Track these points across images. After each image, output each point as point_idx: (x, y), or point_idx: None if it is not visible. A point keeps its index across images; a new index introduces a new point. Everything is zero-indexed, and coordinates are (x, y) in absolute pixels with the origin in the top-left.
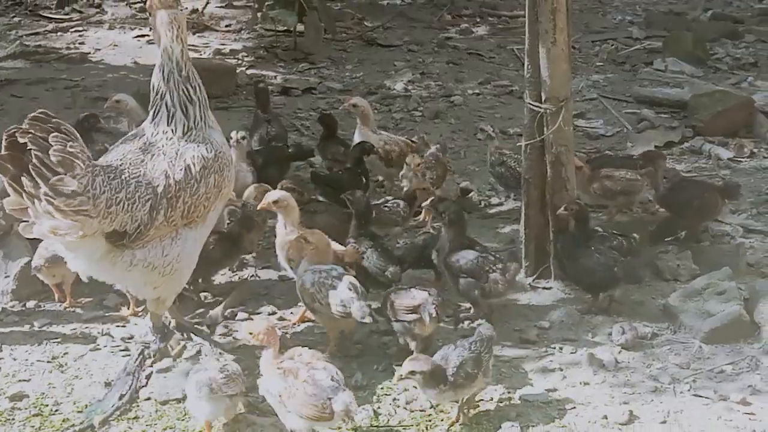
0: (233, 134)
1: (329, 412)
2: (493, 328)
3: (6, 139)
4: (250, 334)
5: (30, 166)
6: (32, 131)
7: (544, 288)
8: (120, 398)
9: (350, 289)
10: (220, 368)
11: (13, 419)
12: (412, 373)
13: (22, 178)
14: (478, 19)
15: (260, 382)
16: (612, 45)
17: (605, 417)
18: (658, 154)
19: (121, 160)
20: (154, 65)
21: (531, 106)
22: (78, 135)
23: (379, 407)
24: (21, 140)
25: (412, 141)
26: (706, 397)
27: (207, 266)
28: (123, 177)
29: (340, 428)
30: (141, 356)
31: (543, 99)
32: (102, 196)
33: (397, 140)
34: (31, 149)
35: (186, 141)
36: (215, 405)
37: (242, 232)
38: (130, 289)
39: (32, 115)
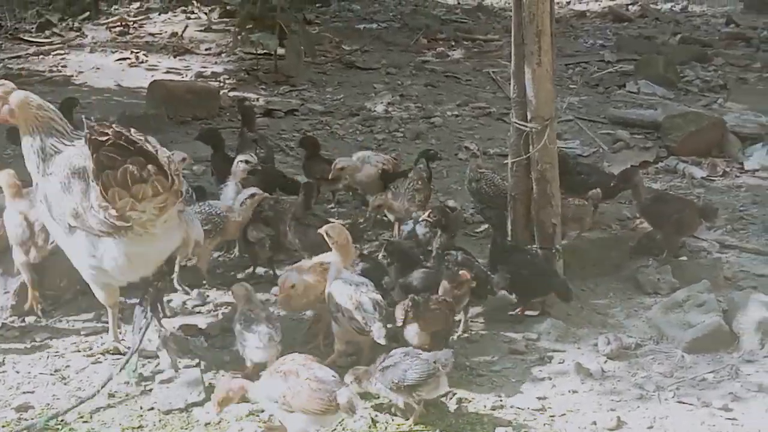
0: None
1: (335, 404)
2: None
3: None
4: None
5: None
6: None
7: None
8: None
9: (375, 309)
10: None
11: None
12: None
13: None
14: (453, 43)
15: (254, 393)
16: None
17: (594, 423)
18: (634, 170)
19: None
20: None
21: (517, 125)
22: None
23: (376, 415)
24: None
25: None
26: (689, 404)
27: None
28: None
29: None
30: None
31: (529, 118)
32: None
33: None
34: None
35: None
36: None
37: None
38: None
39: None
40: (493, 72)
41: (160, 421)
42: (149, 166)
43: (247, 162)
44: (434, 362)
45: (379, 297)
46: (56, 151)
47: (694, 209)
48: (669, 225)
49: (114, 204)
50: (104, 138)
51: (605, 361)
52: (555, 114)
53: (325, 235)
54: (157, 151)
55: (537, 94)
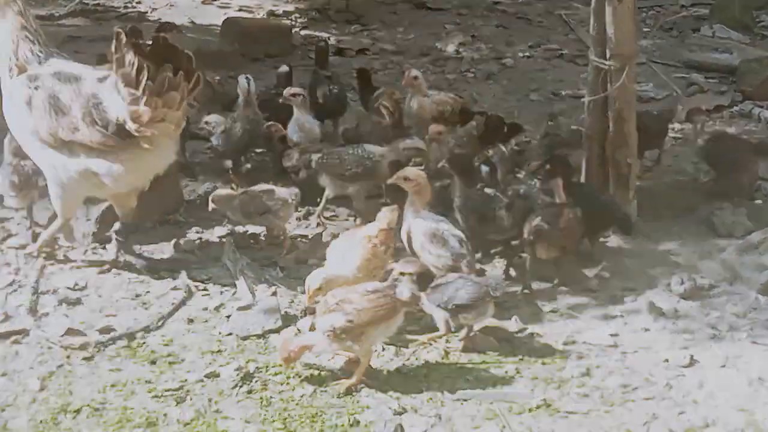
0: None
1: (400, 302)
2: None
3: None
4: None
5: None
6: None
7: (603, 240)
8: None
9: (461, 244)
10: None
11: (104, 350)
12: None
13: None
14: None
15: (315, 340)
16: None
17: (666, 360)
18: (698, 110)
19: None
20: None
21: (596, 63)
22: None
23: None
24: None
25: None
26: (763, 344)
27: None
28: None
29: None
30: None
31: (608, 56)
32: None
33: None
34: None
35: None
36: None
37: None
38: None
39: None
40: (565, 14)
41: (237, 346)
42: (180, 72)
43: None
44: (486, 287)
45: (461, 233)
46: (34, 60)
47: (749, 147)
48: (724, 165)
49: (151, 110)
50: (143, 43)
51: (678, 301)
52: (635, 52)
53: (401, 182)
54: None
55: (617, 31)
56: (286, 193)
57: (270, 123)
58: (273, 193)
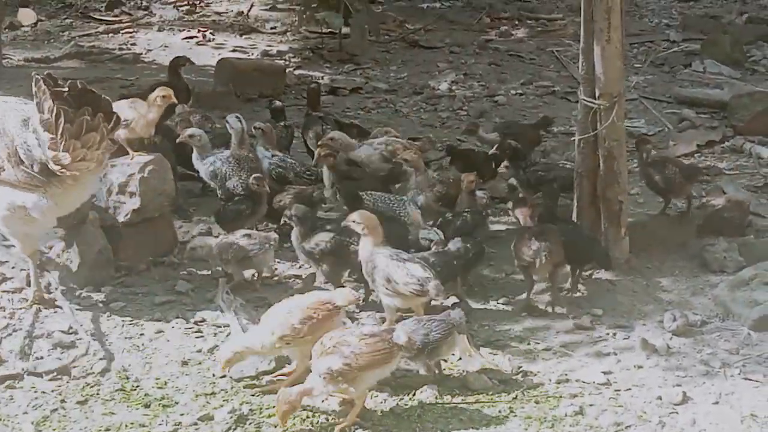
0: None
1: (397, 347)
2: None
3: None
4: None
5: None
6: None
7: (595, 278)
8: None
9: (424, 269)
10: None
11: (98, 393)
12: None
13: None
14: (517, 22)
15: (314, 384)
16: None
17: (659, 398)
18: (644, 139)
19: None
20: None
21: (585, 102)
22: None
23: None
24: None
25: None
26: (756, 381)
27: None
28: None
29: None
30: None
31: (597, 95)
32: None
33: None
34: None
35: None
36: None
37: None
38: None
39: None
40: (556, 51)
41: (231, 388)
42: (99, 114)
43: None
44: (449, 322)
45: (423, 259)
46: None
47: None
48: (659, 188)
49: (70, 153)
50: (61, 89)
51: (671, 338)
52: (623, 91)
53: (352, 224)
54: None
55: (606, 71)
56: (264, 238)
57: (256, 176)
58: (251, 238)
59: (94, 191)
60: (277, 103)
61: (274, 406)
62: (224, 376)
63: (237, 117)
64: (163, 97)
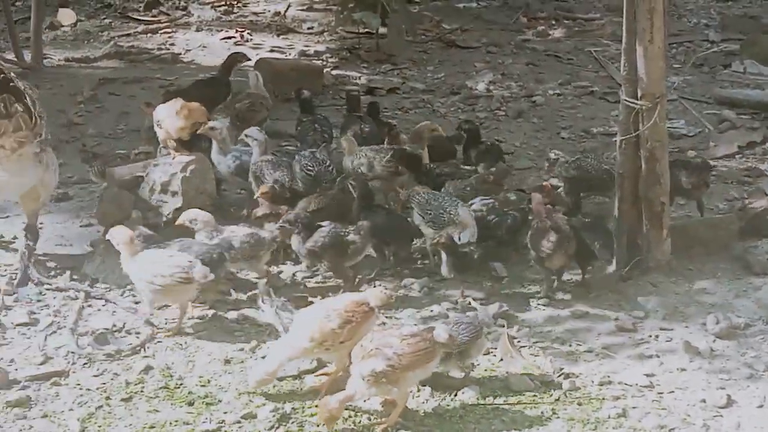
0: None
1: (438, 346)
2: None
3: None
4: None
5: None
6: None
7: (637, 280)
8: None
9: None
10: None
11: (142, 391)
12: None
13: None
14: (554, 22)
15: (356, 389)
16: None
17: (703, 401)
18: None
19: None
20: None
21: (627, 103)
22: None
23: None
24: None
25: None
26: None
27: None
28: None
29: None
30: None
31: (639, 96)
32: None
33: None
34: None
35: None
36: None
37: None
38: None
39: None
40: (595, 51)
41: (273, 387)
42: (16, 104)
43: None
44: (478, 324)
45: None
46: None
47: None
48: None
49: None
50: None
51: (714, 340)
52: (666, 92)
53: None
54: (25, 91)
55: (648, 71)
56: (267, 234)
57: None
58: (254, 236)
59: (25, 183)
60: (305, 93)
61: (316, 406)
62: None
63: (258, 129)
64: (186, 114)
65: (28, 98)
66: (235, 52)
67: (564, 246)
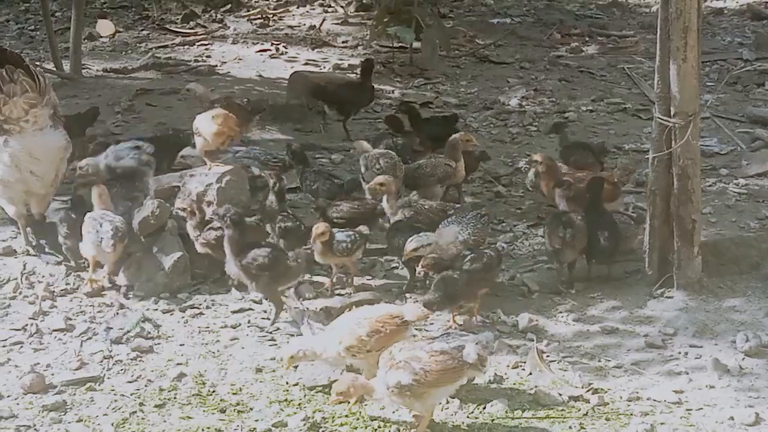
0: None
1: (467, 365)
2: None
3: None
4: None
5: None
6: None
7: (667, 297)
8: None
9: None
10: None
11: (175, 397)
12: None
13: None
14: (588, 39)
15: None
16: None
17: (731, 418)
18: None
19: None
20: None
21: (660, 120)
22: None
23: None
24: None
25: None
26: None
27: None
28: None
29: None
30: None
31: (672, 113)
32: None
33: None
34: None
35: None
36: None
37: None
38: None
39: None
40: (628, 68)
41: (305, 396)
42: (18, 70)
43: None
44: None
45: None
46: None
47: None
48: None
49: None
50: None
51: (743, 358)
52: (699, 110)
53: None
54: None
55: (681, 89)
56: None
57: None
58: None
59: (54, 145)
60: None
61: (347, 416)
62: (297, 384)
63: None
64: (221, 121)
65: (30, 65)
66: (368, 58)
67: (577, 239)
